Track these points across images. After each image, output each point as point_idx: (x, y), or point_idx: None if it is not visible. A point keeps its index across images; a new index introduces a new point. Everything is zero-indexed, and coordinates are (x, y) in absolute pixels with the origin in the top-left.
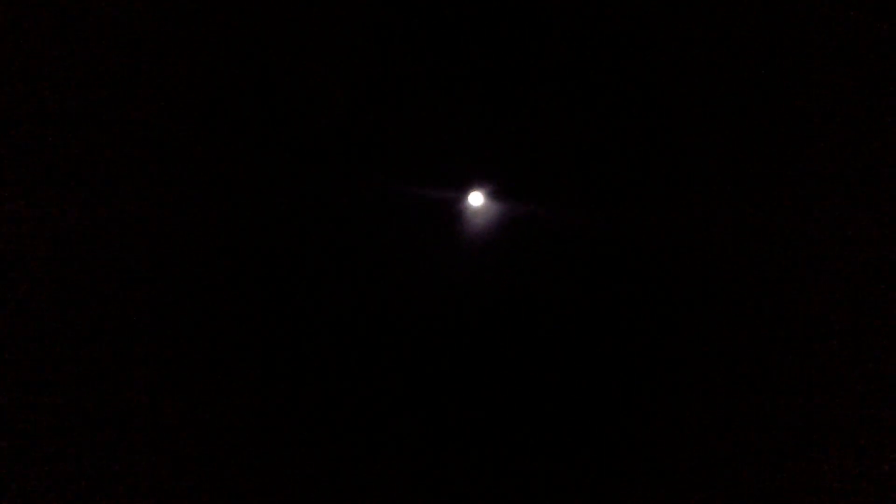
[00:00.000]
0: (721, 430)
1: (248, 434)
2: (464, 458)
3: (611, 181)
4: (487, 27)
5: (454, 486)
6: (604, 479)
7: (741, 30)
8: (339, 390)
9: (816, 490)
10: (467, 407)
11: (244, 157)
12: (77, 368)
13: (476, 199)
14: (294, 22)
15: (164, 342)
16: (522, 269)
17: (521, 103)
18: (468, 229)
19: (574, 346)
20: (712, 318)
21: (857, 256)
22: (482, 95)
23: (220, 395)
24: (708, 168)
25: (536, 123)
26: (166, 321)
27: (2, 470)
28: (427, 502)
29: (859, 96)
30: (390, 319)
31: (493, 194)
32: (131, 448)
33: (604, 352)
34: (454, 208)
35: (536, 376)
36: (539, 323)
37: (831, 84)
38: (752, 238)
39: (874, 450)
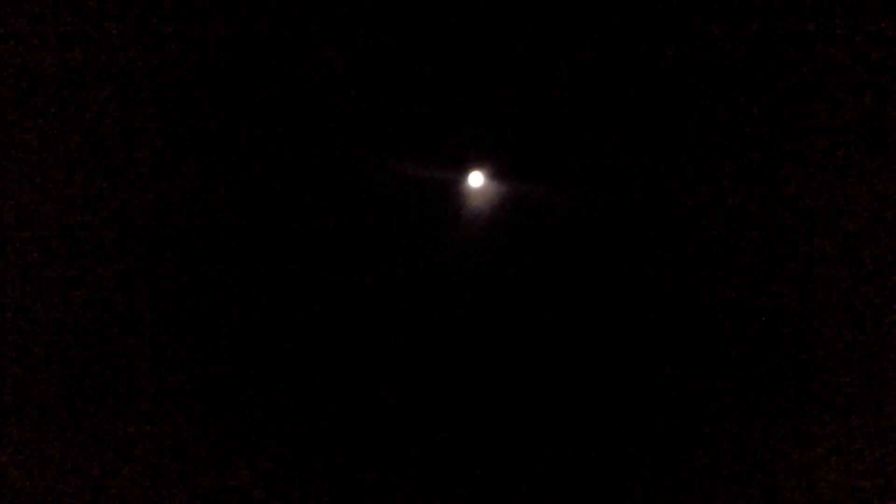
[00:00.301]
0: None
1: (243, 406)
2: (464, 442)
3: (619, 161)
4: (488, 1)
5: (454, 473)
6: (612, 471)
7: (749, 9)
8: (335, 376)
9: (817, 490)
10: (467, 393)
11: (239, 135)
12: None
13: (476, 179)
14: None
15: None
16: (525, 253)
17: (524, 79)
18: (468, 212)
19: (578, 332)
20: (719, 300)
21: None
22: (482, 70)
23: (216, 373)
24: (719, 148)
25: (540, 100)
26: (165, 297)
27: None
28: (425, 489)
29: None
30: (387, 304)
31: (495, 175)
32: (131, 445)
33: (609, 338)
34: (453, 189)
35: (538, 362)
36: (541, 309)
37: (841, 55)
38: (760, 221)
39: (874, 450)
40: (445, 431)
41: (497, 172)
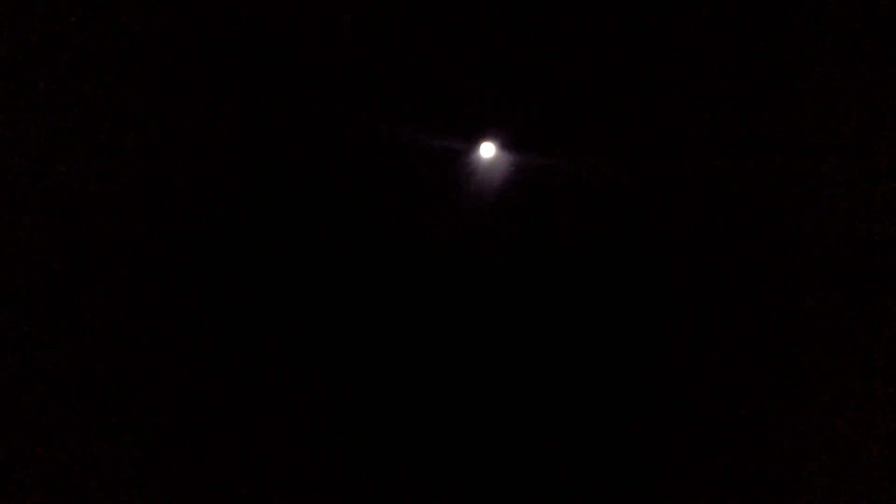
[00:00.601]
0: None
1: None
2: (471, 419)
3: (633, 130)
4: None
5: (460, 446)
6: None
7: None
8: (341, 350)
9: (816, 490)
10: (477, 366)
11: (245, 102)
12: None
13: (487, 150)
14: None
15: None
16: (536, 226)
17: (537, 45)
18: (478, 183)
19: (591, 306)
20: (734, 273)
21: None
22: (493, 36)
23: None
24: (736, 119)
25: (553, 67)
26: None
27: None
28: (427, 464)
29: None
30: (395, 279)
31: (506, 145)
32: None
33: (622, 311)
34: (463, 160)
35: (550, 335)
36: (553, 283)
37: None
38: (773, 191)
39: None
40: (459, 406)
41: (510, 142)
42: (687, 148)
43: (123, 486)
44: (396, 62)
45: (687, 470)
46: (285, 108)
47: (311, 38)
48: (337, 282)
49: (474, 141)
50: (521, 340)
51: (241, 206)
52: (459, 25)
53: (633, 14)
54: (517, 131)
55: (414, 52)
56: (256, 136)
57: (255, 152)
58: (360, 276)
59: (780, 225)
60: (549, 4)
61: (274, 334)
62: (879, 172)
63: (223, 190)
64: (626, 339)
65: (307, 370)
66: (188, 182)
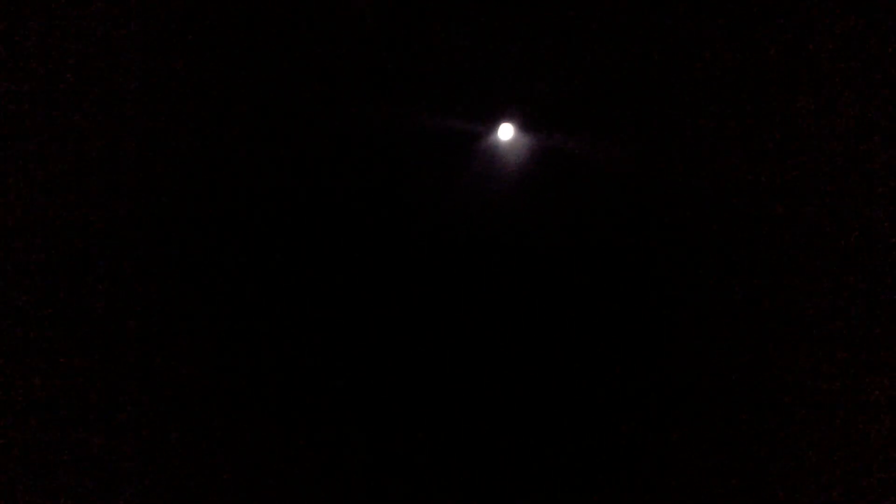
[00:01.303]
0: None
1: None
2: (486, 399)
3: (651, 113)
4: None
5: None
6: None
7: None
8: (357, 330)
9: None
10: (495, 342)
11: (264, 85)
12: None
13: (506, 131)
14: None
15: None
16: (555, 207)
17: (555, 27)
18: (497, 165)
19: (609, 287)
20: (750, 257)
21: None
22: (512, 17)
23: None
24: (756, 100)
25: (572, 49)
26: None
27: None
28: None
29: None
30: (413, 260)
31: (525, 127)
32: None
33: (638, 293)
34: (482, 142)
35: (566, 316)
36: (570, 266)
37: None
38: (790, 170)
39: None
40: (467, 388)
41: (528, 124)
42: (710, 131)
43: (123, 486)
44: (414, 43)
45: (690, 463)
46: (305, 89)
47: (330, 20)
48: (355, 263)
49: (493, 123)
50: (537, 321)
51: (260, 191)
52: (477, 7)
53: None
54: (536, 112)
55: (432, 33)
56: (273, 120)
57: (270, 136)
58: (375, 257)
59: (799, 208)
60: None
61: (291, 312)
62: None
63: (237, 175)
64: (643, 318)
65: (327, 343)
66: (199, 160)
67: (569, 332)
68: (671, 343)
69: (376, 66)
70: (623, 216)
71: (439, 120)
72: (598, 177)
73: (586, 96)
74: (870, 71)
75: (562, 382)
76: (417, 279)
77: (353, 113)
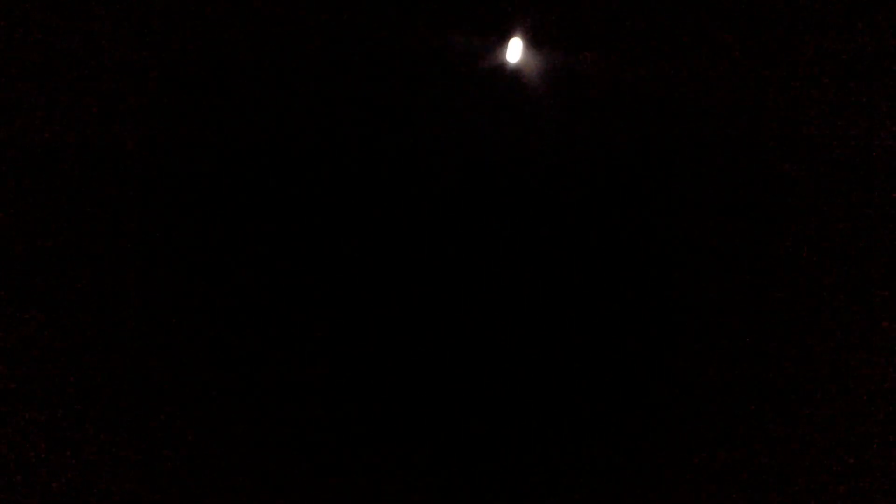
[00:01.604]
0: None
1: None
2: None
3: (675, 29)
4: None
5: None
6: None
7: None
8: (361, 273)
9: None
10: (502, 280)
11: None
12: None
13: (515, 48)
14: None
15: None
16: (567, 133)
17: None
18: (505, 86)
19: (619, 220)
20: (764, 180)
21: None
22: None
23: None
24: (768, 29)
25: None
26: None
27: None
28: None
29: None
30: (416, 188)
31: (537, 42)
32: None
33: (651, 225)
34: (489, 59)
35: (574, 250)
36: (581, 197)
37: None
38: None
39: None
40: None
41: (541, 40)
42: (729, 49)
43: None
44: None
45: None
46: (311, 21)
47: None
48: (352, 188)
49: (501, 38)
50: (542, 254)
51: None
52: None
53: None
54: (549, 28)
55: None
56: (287, 40)
57: (287, 57)
58: (375, 182)
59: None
60: None
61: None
62: None
63: (269, 91)
64: (651, 250)
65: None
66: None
67: (570, 266)
68: (680, 287)
69: None
70: (645, 147)
71: (436, 32)
72: (623, 101)
73: (599, 10)
74: None
75: (573, 320)
76: (409, 213)
77: (338, 24)
